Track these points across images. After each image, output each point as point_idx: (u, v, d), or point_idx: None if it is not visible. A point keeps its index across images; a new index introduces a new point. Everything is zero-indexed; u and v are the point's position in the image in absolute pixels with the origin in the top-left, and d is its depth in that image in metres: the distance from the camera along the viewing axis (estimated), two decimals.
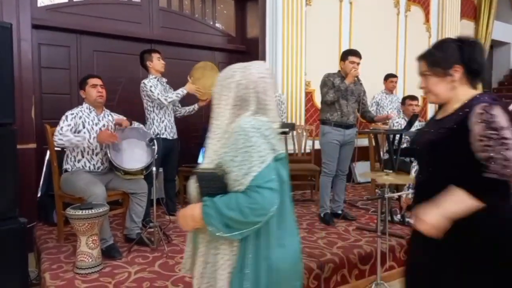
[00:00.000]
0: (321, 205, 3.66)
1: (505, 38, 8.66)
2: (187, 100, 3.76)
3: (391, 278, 2.95)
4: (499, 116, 1.30)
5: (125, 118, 3.05)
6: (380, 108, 5.12)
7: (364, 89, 3.69)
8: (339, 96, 3.45)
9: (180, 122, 3.98)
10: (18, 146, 2.66)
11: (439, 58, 1.46)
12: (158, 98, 3.39)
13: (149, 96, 3.43)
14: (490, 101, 1.34)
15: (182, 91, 3.49)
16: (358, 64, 3.46)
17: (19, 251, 2.41)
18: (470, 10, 7.71)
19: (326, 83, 3.52)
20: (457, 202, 1.29)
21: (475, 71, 1.44)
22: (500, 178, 1.27)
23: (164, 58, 3.60)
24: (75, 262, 2.46)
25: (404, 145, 4.00)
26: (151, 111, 3.51)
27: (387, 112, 5.08)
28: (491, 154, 1.27)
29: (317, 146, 4.73)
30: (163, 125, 3.53)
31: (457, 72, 1.43)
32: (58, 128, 2.77)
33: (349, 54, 3.51)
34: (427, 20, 6.70)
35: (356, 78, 3.50)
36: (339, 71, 3.57)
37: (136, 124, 3.08)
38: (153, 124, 3.50)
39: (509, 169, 1.27)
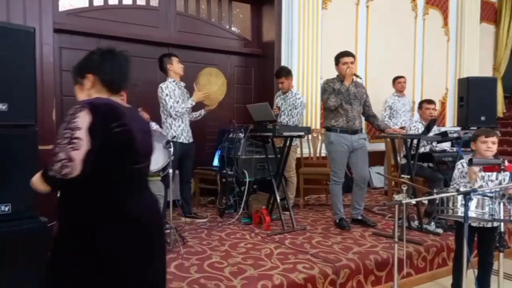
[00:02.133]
0: (335, 212, 3.61)
1: None
2: (195, 106, 3.78)
3: (409, 285, 2.90)
4: (81, 117, 1.34)
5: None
6: (394, 112, 5.06)
7: (366, 91, 3.63)
8: (341, 100, 3.41)
9: (196, 125, 4.01)
10: (39, 147, 2.72)
11: (76, 67, 1.57)
12: (169, 111, 3.45)
13: (163, 104, 3.49)
14: (84, 104, 1.37)
15: (191, 103, 3.55)
16: (351, 63, 3.44)
17: (38, 250, 2.45)
18: (491, 13, 7.56)
19: (326, 89, 3.50)
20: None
21: (107, 80, 1.52)
22: (61, 177, 1.33)
23: (182, 62, 3.64)
24: None
25: (422, 150, 3.94)
26: (167, 115, 3.55)
27: (400, 115, 5.03)
28: (58, 152, 1.33)
29: None
30: (180, 130, 3.56)
31: (89, 81, 1.51)
32: None
33: (340, 56, 3.51)
34: (445, 23, 6.61)
35: (356, 78, 3.47)
36: (337, 75, 3.55)
37: (153, 126, 3.12)
38: (170, 128, 3.54)
39: (68, 169, 1.32)
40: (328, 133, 3.55)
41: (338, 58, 3.51)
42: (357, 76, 3.47)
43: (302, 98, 4.24)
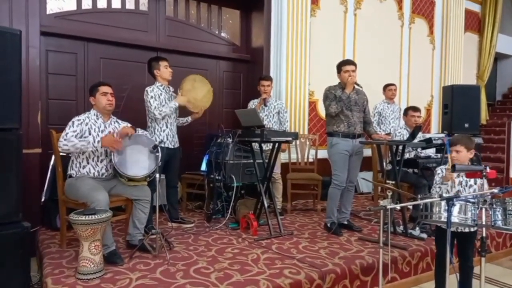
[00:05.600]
0: (328, 215, 3.64)
1: (509, 51, 8.68)
2: (182, 113, 3.78)
3: None
4: None
5: (130, 125, 3.07)
6: (383, 118, 5.13)
7: (367, 98, 3.70)
8: (342, 107, 3.47)
9: (184, 129, 4.00)
10: (24, 151, 2.69)
11: None
12: (153, 112, 3.44)
13: (148, 106, 3.48)
14: None
15: (174, 104, 3.52)
16: (353, 71, 3.50)
17: (21, 255, 2.41)
18: (475, 23, 7.75)
19: (328, 95, 3.55)
20: None
21: None
22: None
23: (171, 66, 3.63)
24: (77, 268, 2.46)
25: (407, 156, 4.00)
26: (152, 119, 3.54)
27: (389, 122, 5.10)
28: None
29: (320, 155, 4.76)
30: (165, 134, 3.55)
31: None
32: (63, 133, 2.79)
33: (342, 64, 3.58)
34: (431, 32, 6.74)
35: (357, 86, 3.53)
36: (339, 83, 3.61)
37: (140, 131, 3.10)
38: (154, 133, 3.52)
39: None
40: (330, 137, 3.60)
41: (340, 66, 3.58)
42: (357, 84, 3.53)
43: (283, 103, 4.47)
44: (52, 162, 3.49)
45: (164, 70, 3.54)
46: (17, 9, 3.35)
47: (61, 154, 2.94)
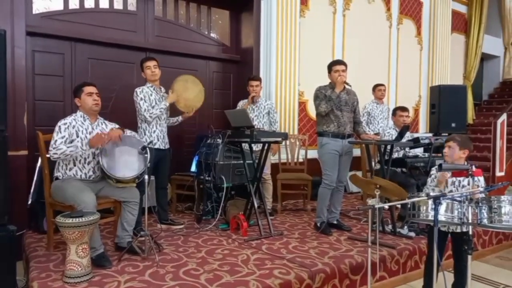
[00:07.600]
0: (317, 215, 3.66)
1: (495, 52, 8.83)
2: (173, 113, 3.77)
3: None
4: None
5: (117, 126, 3.04)
6: (371, 118, 5.17)
7: (357, 98, 3.73)
8: (332, 107, 3.49)
9: (174, 130, 3.98)
10: (9, 153, 2.65)
11: None
12: (144, 115, 3.42)
13: (138, 108, 3.45)
14: None
15: (164, 105, 3.51)
16: (343, 71, 3.53)
17: (7, 259, 2.38)
18: (461, 24, 7.86)
19: (318, 95, 3.58)
20: None
21: None
22: None
23: (159, 66, 3.60)
24: (64, 271, 2.43)
25: (395, 156, 4.04)
26: (142, 120, 3.51)
27: (378, 122, 5.15)
28: None
29: (310, 155, 4.77)
30: (155, 135, 3.52)
31: None
32: (52, 142, 2.74)
33: (332, 65, 3.61)
34: (418, 33, 6.83)
35: (347, 85, 3.56)
36: (330, 83, 3.63)
37: (128, 132, 3.08)
38: (145, 134, 3.50)
39: None
40: (320, 137, 3.62)
41: (331, 66, 3.60)
42: (347, 83, 3.55)
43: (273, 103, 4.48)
44: (39, 164, 3.44)
45: (146, 71, 3.52)
46: (2, 8, 3.29)
47: (48, 155, 2.90)
